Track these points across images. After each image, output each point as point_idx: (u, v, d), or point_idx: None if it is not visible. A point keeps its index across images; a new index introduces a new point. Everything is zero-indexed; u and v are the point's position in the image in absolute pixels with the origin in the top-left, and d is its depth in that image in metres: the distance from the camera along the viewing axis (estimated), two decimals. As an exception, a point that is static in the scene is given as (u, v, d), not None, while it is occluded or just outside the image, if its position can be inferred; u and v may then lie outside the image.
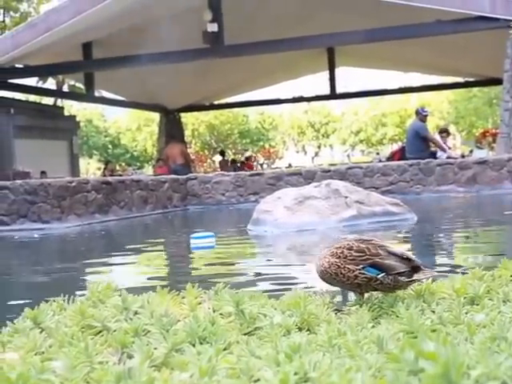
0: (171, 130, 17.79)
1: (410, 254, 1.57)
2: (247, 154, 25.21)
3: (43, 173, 13.69)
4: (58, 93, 19.90)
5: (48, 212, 7.23)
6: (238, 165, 17.67)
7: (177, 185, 9.69)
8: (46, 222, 7.17)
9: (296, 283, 2.82)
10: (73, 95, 19.23)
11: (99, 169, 27.48)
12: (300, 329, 1.46)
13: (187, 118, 23.96)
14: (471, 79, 18.99)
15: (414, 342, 1.05)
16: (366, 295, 1.69)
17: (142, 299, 1.51)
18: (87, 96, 15.11)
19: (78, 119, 17.71)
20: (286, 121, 34.27)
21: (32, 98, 20.10)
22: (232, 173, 10.17)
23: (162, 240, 5.54)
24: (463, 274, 1.85)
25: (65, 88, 21.39)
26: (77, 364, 1.10)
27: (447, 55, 15.12)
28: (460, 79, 19.80)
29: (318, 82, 21.83)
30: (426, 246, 4.11)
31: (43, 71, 13.70)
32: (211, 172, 22.17)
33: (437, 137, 10.81)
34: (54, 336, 1.30)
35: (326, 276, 1.63)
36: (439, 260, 3.30)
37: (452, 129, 29.48)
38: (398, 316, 1.54)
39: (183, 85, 15.87)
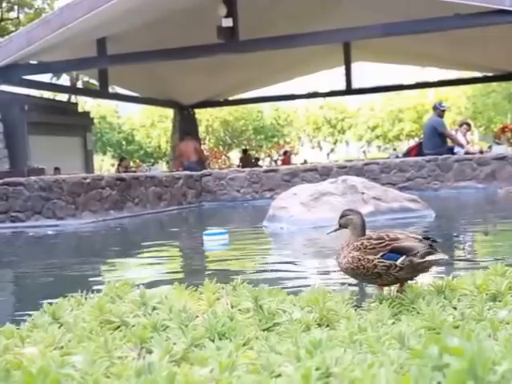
0: (185, 126, 17.79)
1: (426, 235, 1.59)
2: (285, 148, 25.00)
3: (57, 169, 13.79)
4: (72, 89, 20.03)
5: (63, 208, 7.28)
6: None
7: (191, 181, 9.70)
8: (60, 219, 7.21)
9: (313, 279, 2.80)
10: (87, 91, 19.34)
11: (113, 165, 27.64)
12: (319, 325, 1.45)
13: (201, 114, 23.97)
14: (490, 74, 18.73)
15: (437, 338, 1.03)
16: (386, 290, 1.67)
17: (160, 294, 1.50)
18: (101, 92, 15.18)
19: (91, 116, 17.81)
20: (301, 116, 34.11)
21: (46, 94, 20.25)
22: (247, 169, 10.15)
23: (177, 237, 5.55)
24: (484, 269, 1.81)
25: (79, 84, 21.53)
26: (96, 358, 1.10)
27: (465, 49, 14.92)
28: (478, 74, 19.53)
29: (333, 78, 21.70)
30: (444, 244, 4.06)
31: (57, 67, 13.77)
32: (226, 168, 22.21)
33: (455, 132, 10.68)
34: (72, 331, 1.30)
35: (349, 270, 1.64)
36: (458, 257, 3.26)
37: (468, 120, 29.17)
38: (418, 312, 1.52)
39: (197, 80, 15.87)
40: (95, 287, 2.72)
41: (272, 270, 3.14)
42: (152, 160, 29.80)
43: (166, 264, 3.97)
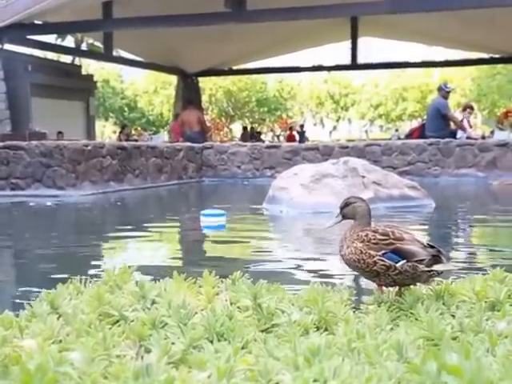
0: (188, 95, 17.62)
1: (431, 243, 1.52)
2: (300, 122, 24.70)
3: (60, 133, 13.70)
4: (76, 51, 19.77)
5: (63, 177, 7.26)
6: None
7: (192, 153, 9.66)
8: (60, 189, 7.20)
9: (311, 270, 2.80)
10: (91, 54, 19.08)
11: (115, 132, 27.49)
12: (318, 328, 1.45)
13: (205, 83, 23.72)
14: (496, 55, 18.52)
15: (436, 353, 1.03)
16: (385, 292, 1.67)
17: (159, 286, 1.50)
18: (105, 55, 15.00)
19: (95, 79, 17.62)
20: (304, 90, 33.82)
21: (50, 55, 19.99)
22: (249, 143, 10.10)
23: (176, 215, 5.54)
24: (483, 273, 1.81)
25: (83, 46, 21.23)
26: (95, 357, 1.10)
27: (474, 29, 14.72)
28: (485, 55, 19.30)
29: (338, 52, 21.42)
30: (442, 237, 4.06)
31: (62, 28, 13.57)
32: (228, 141, 22.12)
33: (458, 115, 10.59)
34: (71, 323, 1.30)
35: (351, 262, 1.56)
36: (456, 254, 3.26)
37: (474, 107, 28.93)
38: (417, 319, 1.52)
39: (202, 48, 15.67)
40: (92, 270, 2.74)
41: (270, 259, 3.14)
42: (154, 128, 29.64)
43: (163, 245, 3.98)
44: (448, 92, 9.93)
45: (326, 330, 1.46)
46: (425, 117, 11.56)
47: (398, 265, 1.44)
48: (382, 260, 1.45)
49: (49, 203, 6.27)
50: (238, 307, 1.48)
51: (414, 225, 4.76)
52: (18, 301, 1.99)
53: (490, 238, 3.87)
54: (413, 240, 1.47)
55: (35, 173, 7.33)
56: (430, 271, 1.42)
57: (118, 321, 1.35)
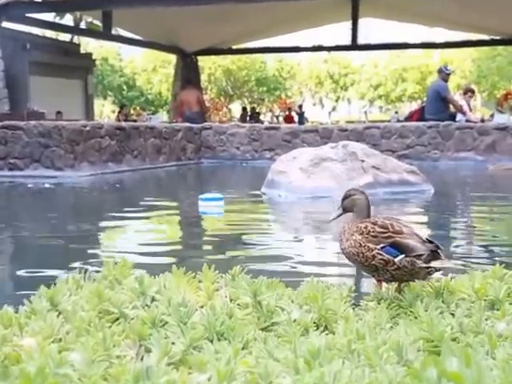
0: (187, 74, 17.47)
1: (430, 238, 1.50)
2: (298, 102, 24.49)
3: (59, 113, 13.60)
4: (75, 29, 19.53)
5: (61, 158, 7.23)
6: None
7: (191, 134, 9.61)
8: (59, 169, 7.17)
9: (308, 258, 2.80)
10: (90, 32, 18.86)
11: (113, 111, 27.31)
12: (317, 326, 1.45)
13: (204, 62, 23.52)
14: (497, 37, 18.36)
15: (436, 360, 1.02)
16: (384, 288, 1.66)
17: (158, 282, 1.50)
18: (104, 34, 14.83)
19: (93, 57, 17.44)
20: (304, 70, 33.56)
21: (48, 33, 19.75)
22: (247, 124, 10.04)
23: (174, 199, 5.53)
24: (481, 262, 1.81)
25: (82, 25, 20.98)
26: (95, 358, 1.10)
27: (474, 11, 14.56)
28: (485, 37, 19.13)
29: (339, 32, 21.20)
30: (442, 223, 4.07)
31: (61, 7, 13.40)
32: (227, 121, 21.96)
33: (458, 97, 10.53)
34: (71, 321, 1.29)
35: (350, 255, 1.54)
36: (455, 243, 3.27)
37: (472, 86, 28.74)
38: (416, 317, 1.52)
39: (202, 27, 15.49)
40: (90, 259, 2.73)
41: (266, 245, 3.14)
42: (153, 108, 29.45)
43: (161, 230, 3.98)
44: (448, 74, 9.85)
45: (325, 327, 1.46)
46: (424, 99, 11.47)
47: (396, 260, 1.42)
48: (381, 254, 1.42)
49: (47, 185, 6.25)
50: (238, 304, 1.48)
51: (412, 211, 4.77)
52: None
53: (487, 227, 3.87)
54: (412, 234, 1.45)
55: (33, 153, 7.30)
56: (427, 267, 1.38)
57: (117, 318, 1.35)
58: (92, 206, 5.17)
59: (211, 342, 1.26)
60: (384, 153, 7.91)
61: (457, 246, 3.09)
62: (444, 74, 9.79)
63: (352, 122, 31.82)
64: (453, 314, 1.51)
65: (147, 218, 4.29)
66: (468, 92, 10.59)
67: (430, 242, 1.50)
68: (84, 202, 5.40)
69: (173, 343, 1.21)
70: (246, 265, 2.53)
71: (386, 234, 1.44)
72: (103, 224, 4.03)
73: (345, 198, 1.60)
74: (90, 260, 2.71)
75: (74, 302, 1.38)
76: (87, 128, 7.61)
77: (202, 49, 18.10)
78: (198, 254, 2.94)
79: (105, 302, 1.37)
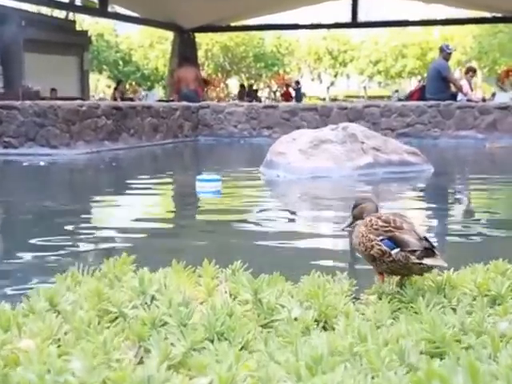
0: (184, 51, 17.25)
1: (428, 237, 1.51)
2: (295, 78, 24.22)
3: (53, 90, 13.47)
4: (70, 6, 19.17)
5: (57, 136, 7.17)
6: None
7: (188, 113, 9.53)
8: (54, 147, 7.13)
9: (301, 242, 2.79)
10: (85, 9, 18.52)
11: (109, 86, 27.05)
12: (317, 322, 1.45)
13: (201, 38, 23.20)
14: (499, 14, 18.09)
15: (441, 376, 1.01)
16: (386, 283, 1.66)
17: (158, 279, 1.48)
18: (100, 11, 14.59)
19: (89, 34, 17.20)
20: (302, 46, 33.17)
21: (44, 10, 19.41)
22: (245, 103, 9.96)
23: (170, 176, 5.51)
24: (478, 240, 1.81)
25: (78, 2, 20.60)
26: (96, 365, 1.09)
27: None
28: (487, 14, 18.86)
29: (338, 10, 20.89)
30: (441, 202, 4.07)
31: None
32: (224, 97, 21.69)
33: (458, 74, 10.44)
34: (70, 321, 1.28)
35: (355, 245, 1.59)
36: (448, 219, 3.28)
37: (474, 65, 28.50)
38: (417, 312, 1.51)
39: (200, 4, 15.25)
40: (85, 244, 2.73)
41: (262, 227, 3.13)
42: (149, 83, 29.15)
43: (156, 208, 3.98)
44: (449, 53, 9.76)
45: (325, 322, 1.45)
46: (425, 75, 11.36)
47: (392, 252, 1.45)
48: (379, 245, 1.46)
49: (42, 163, 6.23)
50: (239, 300, 1.47)
51: (407, 189, 4.79)
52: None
53: (484, 208, 3.87)
54: (410, 230, 1.47)
55: (28, 132, 7.25)
56: (420, 264, 1.41)
57: (116, 317, 1.33)
58: (85, 182, 5.18)
59: (211, 341, 1.25)
60: (383, 131, 7.88)
61: (450, 223, 3.11)
62: (445, 53, 9.69)
63: (351, 97, 31.63)
64: (454, 309, 1.51)
65: (142, 193, 4.30)
66: (469, 72, 10.50)
67: (427, 240, 1.51)
68: (77, 179, 5.41)
69: (172, 344, 1.20)
70: (245, 240, 2.54)
71: (387, 228, 1.48)
72: (97, 200, 4.06)
73: (354, 206, 1.66)
74: (80, 232, 2.73)
75: (73, 301, 1.37)
76: (83, 108, 7.54)
77: (199, 26, 17.85)
78: (193, 225, 2.96)
79: (104, 302, 1.35)
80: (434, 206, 4.00)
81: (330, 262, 2.30)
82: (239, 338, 1.27)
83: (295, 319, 1.41)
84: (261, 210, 3.73)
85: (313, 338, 1.30)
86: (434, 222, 3.40)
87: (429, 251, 1.44)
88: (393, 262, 1.45)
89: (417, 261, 1.42)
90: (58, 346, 1.19)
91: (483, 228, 3.03)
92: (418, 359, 1.19)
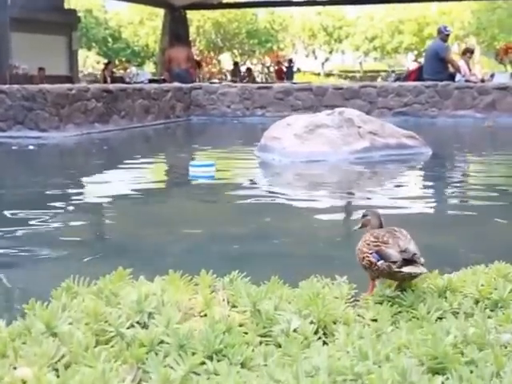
0: (176, 28, 16.99)
1: (411, 248, 1.65)
2: (288, 56, 24.00)
3: (41, 69, 13.26)
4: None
5: (46, 120, 7.08)
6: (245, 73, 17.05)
7: (180, 94, 9.41)
8: (43, 131, 7.04)
9: (303, 233, 2.78)
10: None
11: (98, 62, 26.66)
12: (316, 329, 1.43)
13: (192, 15, 22.78)
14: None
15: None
16: (377, 285, 1.71)
17: (155, 295, 1.45)
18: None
19: (78, 13, 16.87)
20: (296, 22, 32.65)
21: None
22: (239, 84, 9.84)
23: (161, 156, 5.49)
24: (486, 266, 1.80)
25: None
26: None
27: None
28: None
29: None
30: (438, 187, 4.06)
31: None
32: (217, 73, 21.39)
33: (455, 48, 10.37)
34: (67, 344, 1.26)
35: (356, 255, 1.79)
36: (442, 200, 3.32)
37: (472, 40, 28.25)
38: (418, 318, 1.51)
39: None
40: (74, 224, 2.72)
41: (259, 197, 3.14)
42: (139, 60, 28.74)
43: (147, 192, 3.97)
44: (447, 35, 9.73)
45: (325, 328, 1.45)
46: (422, 50, 11.22)
47: (378, 263, 1.65)
48: (368, 257, 1.67)
49: (31, 147, 6.17)
50: (237, 311, 1.46)
51: (405, 171, 4.81)
52: None
53: (479, 192, 3.87)
54: (394, 244, 1.66)
55: (17, 115, 7.14)
56: (400, 272, 1.62)
57: (113, 336, 1.31)
58: (72, 164, 5.18)
59: (211, 358, 1.24)
60: (380, 109, 7.82)
61: (443, 202, 3.14)
62: (443, 35, 9.65)
63: (346, 72, 31.26)
64: (455, 314, 1.51)
65: (132, 171, 4.31)
66: (467, 52, 10.44)
67: (408, 251, 1.64)
68: (64, 161, 5.41)
69: (172, 368, 1.18)
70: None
71: (376, 243, 1.68)
72: (84, 181, 4.10)
73: (362, 216, 1.90)
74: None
75: (70, 322, 1.34)
76: (73, 91, 7.42)
77: (190, 3, 17.54)
78: (185, 196, 3.00)
79: (101, 322, 1.33)
80: (429, 184, 4.05)
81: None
82: (238, 356, 1.26)
83: (294, 330, 1.39)
84: (254, 191, 3.73)
85: (313, 354, 1.28)
86: (428, 198, 3.44)
87: (408, 261, 1.62)
88: (379, 270, 1.66)
89: (397, 269, 1.61)
90: (56, 372, 1.17)
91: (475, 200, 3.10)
92: (420, 378, 1.18)
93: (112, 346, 1.27)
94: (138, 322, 1.36)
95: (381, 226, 1.82)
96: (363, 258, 1.71)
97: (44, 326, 1.30)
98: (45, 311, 1.35)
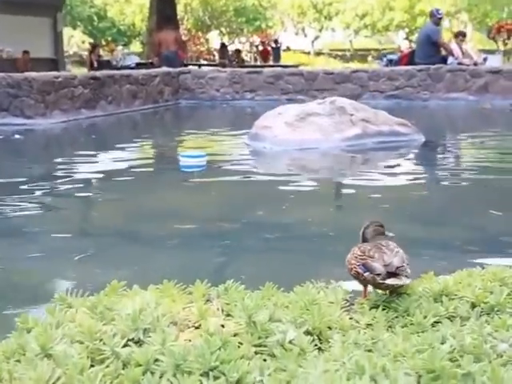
0: (164, 8, 16.73)
1: (395, 262, 1.72)
2: (274, 37, 23.80)
3: (26, 52, 13.04)
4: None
5: (31, 107, 6.98)
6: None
7: (168, 78, 9.29)
8: (29, 118, 6.95)
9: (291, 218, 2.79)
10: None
11: (83, 42, 26.24)
12: (311, 335, 1.44)
13: (179, -8, 22.45)
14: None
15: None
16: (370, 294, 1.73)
17: (151, 314, 1.44)
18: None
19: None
20: (285, -1, 32.27)
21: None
22: (228, 69, 9.73)
23: (148, 144, 5.47)
24: (482, 267, 1.80)
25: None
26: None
27: None
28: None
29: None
30: (430, 178, 4.07)
31: None
32: (204, 53, 21.14)
33: (447, 25, 10.32)
34: (62, 366, 1.24)
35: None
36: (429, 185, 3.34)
37: (464, 17, 28.08)
38: (413, 324, 1.51)
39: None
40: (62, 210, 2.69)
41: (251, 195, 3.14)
42: (125, 39, 28.29)
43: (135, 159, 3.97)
44: (440, 18, 9.65)
45: (320, 334, 1.45)
46: (413, 28, 11.14)
47: (365, 274, 1.74)
48: (355, 269, 1.77)
49: (17, 136, 6.12)
50: (233, 322, 1.45)
51: (396, 157, 4.83)
52: None
53: (469, 178, 3.89)
54: (379, 258, 1.75)
55: (1, 103, 7.03)
56: (383, 283, 1.72)
57: (108, 357, 1.30)
58: (58, 148, 5.17)
59: (207, 375, 1.24)
60: (372, 93, 7.78)
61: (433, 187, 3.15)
62: (436, 18, 9.57)
63: (336, 50, 30.94)
64: (451, 318, 1.51)
65: (121, 153, 4.32)
66: (459, 36, 10.39)
67: (388, 265, 1.71)
68: (49, 148, 5.40)
69: (167, 388, 1.17)
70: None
71: (362, 257, 1.78)
72: (65, 162, 4.10)
73: (366, 226, 1.98)
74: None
75: (64, 341, 1.33)
76: (59, 79, 7.31)
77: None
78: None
79: (96, 341, 1.32)
80: (419, 169, 4.09)
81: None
82: (234, 372, 1.26)
83: (290, 342, 1.39)
84: (248, 176, 3.73)
85: (309, 368, 1.28)
86: (418, 184, 3.49)
87: (391, 274, 1.71)
88: (366, 280, 1.77)
89: (381, 281, 1.72)
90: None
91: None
92: (419, 393, 1.18)
93: (107, 366, 1.26)
94: (133, 339, 1.35)
95: (374, 237, 1.91)
96: (351, 268, 1.84)
97: (39, 348, 1.29)
98: (39, 328, 1.33)
